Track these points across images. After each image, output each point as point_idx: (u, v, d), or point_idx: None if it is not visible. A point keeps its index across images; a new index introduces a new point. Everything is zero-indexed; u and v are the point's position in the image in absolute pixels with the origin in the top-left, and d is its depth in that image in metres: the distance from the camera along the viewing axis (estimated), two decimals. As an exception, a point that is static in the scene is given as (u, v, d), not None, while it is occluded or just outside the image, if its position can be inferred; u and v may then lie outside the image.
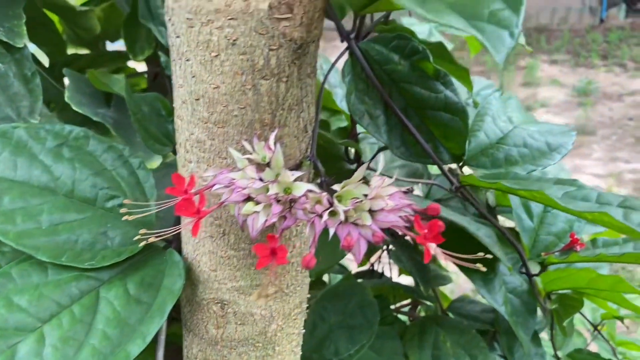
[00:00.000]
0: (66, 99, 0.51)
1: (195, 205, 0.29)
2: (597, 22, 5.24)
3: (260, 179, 0.30)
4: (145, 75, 0.73)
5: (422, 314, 0.80)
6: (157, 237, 0.31)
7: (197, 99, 0.31)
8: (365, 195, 0.30)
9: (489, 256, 0.30)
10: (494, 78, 4.13)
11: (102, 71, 0.52)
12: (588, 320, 0.79)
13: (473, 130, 0.44)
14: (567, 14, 5.23)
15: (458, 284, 1.81)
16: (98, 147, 0.38)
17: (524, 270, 0.52)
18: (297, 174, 0.30)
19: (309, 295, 0.40)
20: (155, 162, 0.53)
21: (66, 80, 0.55)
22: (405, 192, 0.31)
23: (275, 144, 0.30)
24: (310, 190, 0.29)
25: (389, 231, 0.31)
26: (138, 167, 0.38)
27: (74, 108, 0.51)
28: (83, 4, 0.70)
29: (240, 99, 0.31)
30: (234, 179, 0.29)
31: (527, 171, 0.43)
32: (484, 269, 0.29)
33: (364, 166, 0.30)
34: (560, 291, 0.57)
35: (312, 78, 0.33)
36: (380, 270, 0.83)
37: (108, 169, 0.38)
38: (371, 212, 0.30)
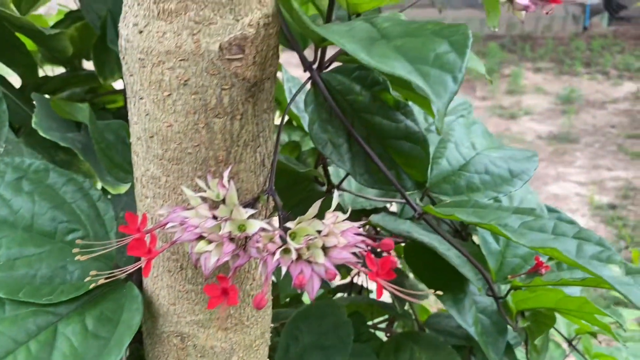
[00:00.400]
0: (33, 125, 0.51)
1: (146, 245, 0.29)
2: (580, 30, 5.31)
3: (214, 217, 0.30)
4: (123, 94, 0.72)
5: (400, 329, 0.80)
6: (106, 278, 0.31)
7: (151, 137, 0.31)
8: (319, 232, 0.30)
9: (440, 293, 0.30)
10: (479, 87, 4.16)
11: (66, 100, 0.51)
12: (563, 335, 0.80)
13: (436, 157, 0.45)
14: (551, 22, 5.30)
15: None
16: (58, 179, 0.38)
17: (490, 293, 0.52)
18: (251, 211, 0.30)
19: (272, 325, 0.40)
20: (124, 186, 0.53)
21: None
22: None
23: (229, 181, 0.30)
24: (263, 229, 0.30)
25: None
26: (98, 200, 0.38)
27: (42, 134, 0.50)
28: (56, 24, 0.70)
29: (194, 137, 0.31)
30: (186, 218, 0.29)
31: (488, 198, 0.43)
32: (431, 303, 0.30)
33: (318, 203, 0.30)
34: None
35: (269, 113, 0.34)
36: (360, 283, 0.83)
37: (68, 201, 0.38)
38: (324, 248, 0.30)
